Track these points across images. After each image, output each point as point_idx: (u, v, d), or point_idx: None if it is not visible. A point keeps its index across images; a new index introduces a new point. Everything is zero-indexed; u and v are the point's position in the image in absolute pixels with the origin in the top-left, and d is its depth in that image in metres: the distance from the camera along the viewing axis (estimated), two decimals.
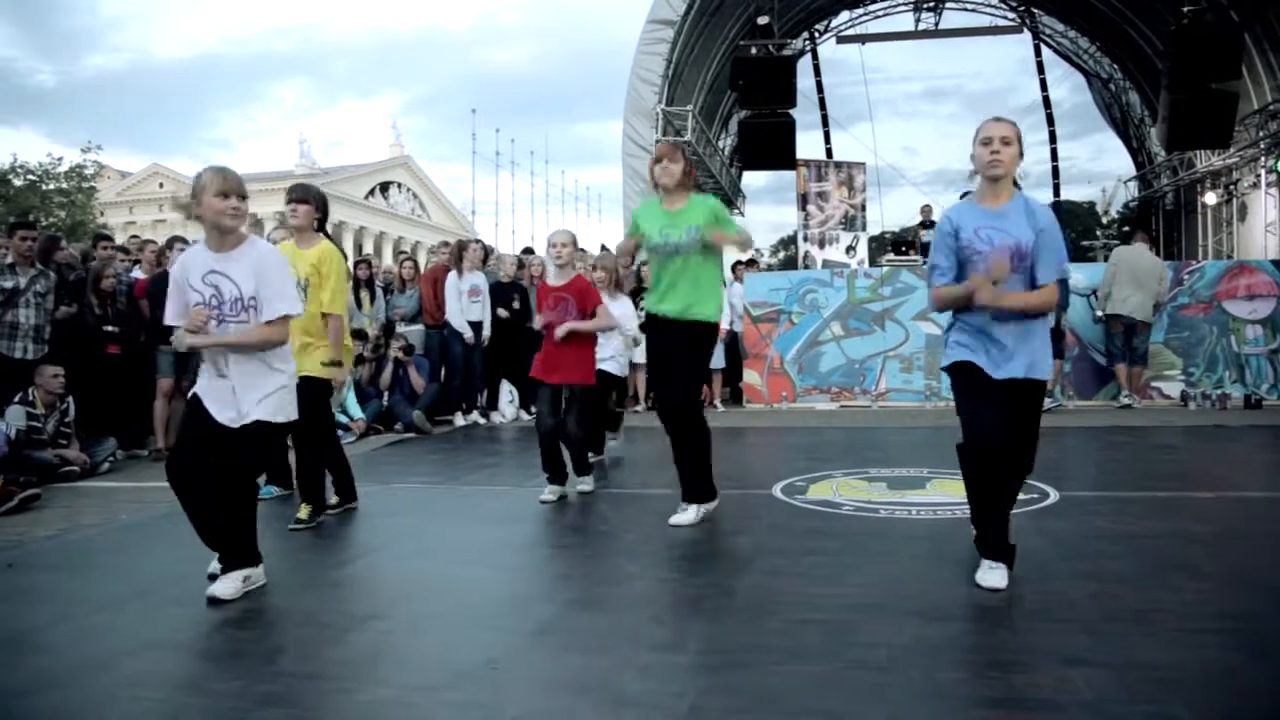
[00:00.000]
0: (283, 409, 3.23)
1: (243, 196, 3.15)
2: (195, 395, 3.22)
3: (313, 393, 4.15)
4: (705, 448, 4.21)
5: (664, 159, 4.21)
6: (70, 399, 6.06)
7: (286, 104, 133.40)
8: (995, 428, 3.04)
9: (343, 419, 7.61)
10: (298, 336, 3.93)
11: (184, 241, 7.46)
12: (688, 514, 4.14)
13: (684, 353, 4.21)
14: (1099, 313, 9.33)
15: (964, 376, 3.14)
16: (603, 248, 6.11)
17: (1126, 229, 25.21)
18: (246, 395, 3.14)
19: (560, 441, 4.94)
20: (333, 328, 4.32)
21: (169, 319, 3.27)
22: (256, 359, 3.19)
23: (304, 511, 4.26)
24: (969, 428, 3.12)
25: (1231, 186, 15.44)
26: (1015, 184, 3.24)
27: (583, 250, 6.14)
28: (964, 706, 2.15)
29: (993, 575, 3.03)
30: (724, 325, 9.56)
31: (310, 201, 4.36)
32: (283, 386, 3.24)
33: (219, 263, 3.16)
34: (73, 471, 5.85)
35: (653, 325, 4.35)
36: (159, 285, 7.06)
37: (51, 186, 29.11)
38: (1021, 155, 3.15)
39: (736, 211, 20.54)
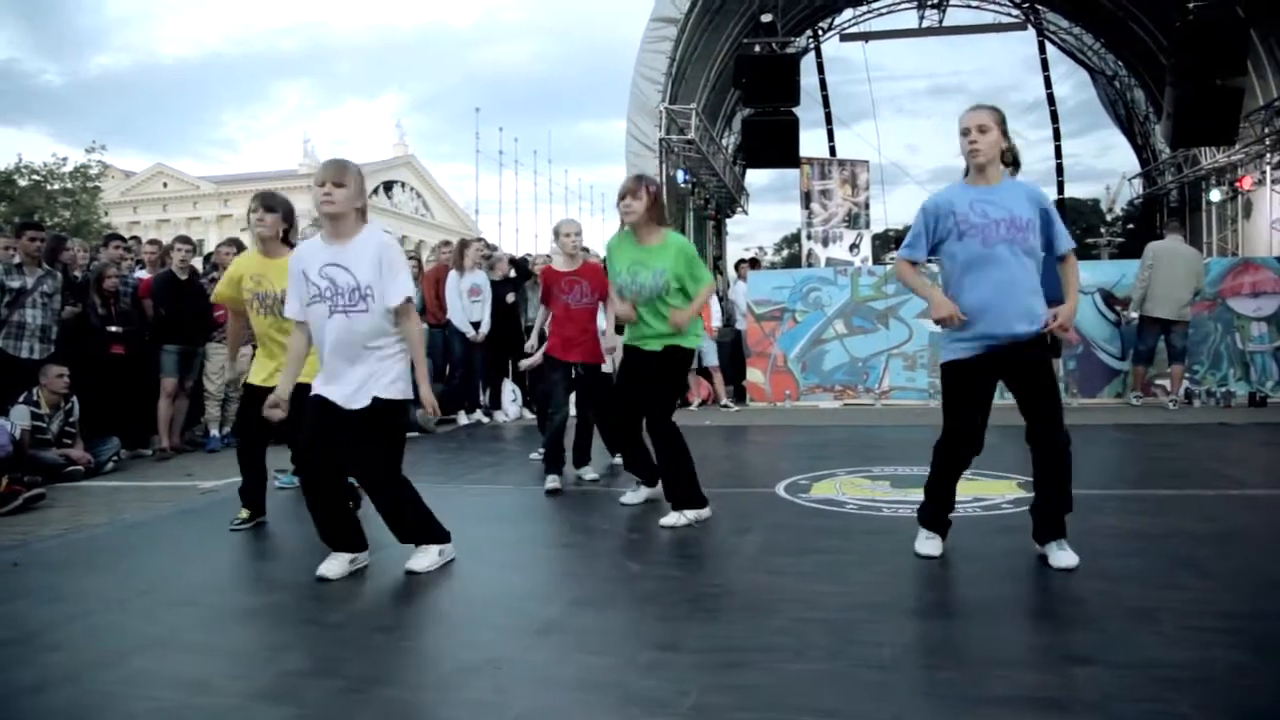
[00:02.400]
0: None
1: (338, 184, 3.26)
2: (317, 395, 3.29)
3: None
4: (682, 458, 4.17)
5: (626, 196, 4.12)
6: (74, 399, 6.08)
7: (290, 104, 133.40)
8: None
9: None
10: (282, 351, 3.97)
11: (187, 241, 7.44)
12: (674, 517, 4.12)
13: (661, 380, 4.21)
14: (1134, 314, 8.92)
15: None
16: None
17: (1131, 226, 25.08)
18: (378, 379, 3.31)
19: (590, 424, 5.32)
20: None
21: (289, 313, 3.40)
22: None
23: (245, 514, 4.31)
24: None
25: (1236, 183, 15.38)
26: (1011, 166, 3.39)
27: (586, 249, 6.09)
28: (967, 705, 2.14)
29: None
30: (715, 325, 9.60)
31: (278, 210, 4.22)
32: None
33: (336, 255, 3.27)
34: (77, 471, 5.87)
35: (629, 353, 4.31)
36: (162, 285, 7.08)
37: (56, 186, 29.20)
38: (1006, 138, 3.31)
39: (740, 210, 20.53)
